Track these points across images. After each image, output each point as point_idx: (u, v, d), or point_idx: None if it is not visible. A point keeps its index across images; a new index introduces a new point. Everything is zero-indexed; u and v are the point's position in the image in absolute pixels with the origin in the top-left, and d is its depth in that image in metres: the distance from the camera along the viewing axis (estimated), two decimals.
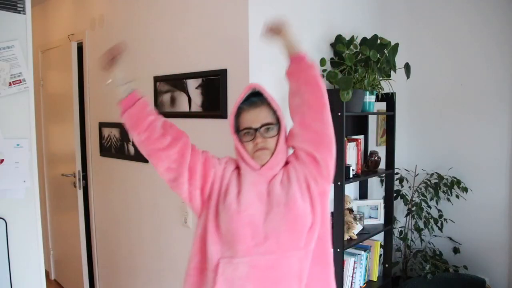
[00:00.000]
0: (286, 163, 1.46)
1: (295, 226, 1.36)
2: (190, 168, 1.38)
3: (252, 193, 1.37)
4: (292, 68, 1.44)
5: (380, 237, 2.87)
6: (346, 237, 2.45)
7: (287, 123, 1.48)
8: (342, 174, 2.27)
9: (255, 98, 1.43)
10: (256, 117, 1.39)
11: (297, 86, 1.43)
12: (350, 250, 2.58)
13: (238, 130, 1.41)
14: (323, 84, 1.42)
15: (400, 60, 2.58)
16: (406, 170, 3.24)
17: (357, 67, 2.38)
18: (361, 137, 2.72)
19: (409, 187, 3.16)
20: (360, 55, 2.42)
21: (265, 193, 1.39)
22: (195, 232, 1.44)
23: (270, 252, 1.34)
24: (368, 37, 2.57)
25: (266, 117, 1.39)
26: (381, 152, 2.81)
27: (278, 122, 1.41)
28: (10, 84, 1.72)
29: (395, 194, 2.96)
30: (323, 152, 1.40)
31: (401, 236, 3.03)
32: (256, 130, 1.38)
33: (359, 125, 2.87)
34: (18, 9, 1.74)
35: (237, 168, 1.46)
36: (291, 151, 1.50)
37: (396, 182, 3.03)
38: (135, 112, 1.40)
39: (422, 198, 3.03)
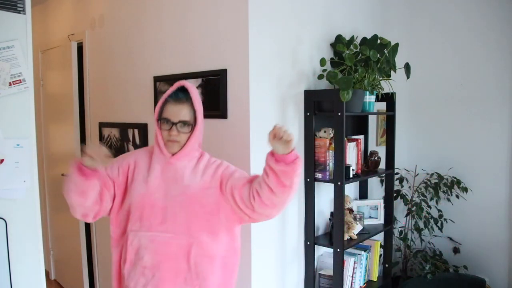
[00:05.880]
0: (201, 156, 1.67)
1: (190, 210, 1.56)
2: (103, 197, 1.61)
3: (159, 179, 1.59)
4: (284, 167, 1.40)
5: (380, 237, 2.87)
6: (346, 237, 2.45)
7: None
8: (342, 174, 2.27)
9: (182, 94, 1.60)
10: (177, 112, 1.56)
11: (278, 186, 1.43)
12: (350, 250, 2.58)
13: (160, 117, 1.58)
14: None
15: (400, 60, 2.58)
16: (406, 170, 3.24)
17: (357, 67, 2.38)
18: (361, 137, 2.72)
19: (409, 187, 3.16)
20: (360, 55, 2.42)
21: (171, 180, 1.59)
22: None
23: (166, 231, 1.56)
24: (368, 37, 2.57)
25: (185, 115, 1.57)
26: (381, 152, 2.81)
27: (195, 121, 1.59)
28: (10, 84, 1.72)
29: (395, 194, 2.96)
30: (250, 218, 1.59)
31: (401, 236, 3.03)
32: (173, 123, 1.55)
33: (359, 125, 2.87)
34: (18, 9, 1.74)
35: (151, 154, 1.65)
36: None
37: (396, 182, 3.03)
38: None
39: (422, 198, 3.03)
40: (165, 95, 1.61)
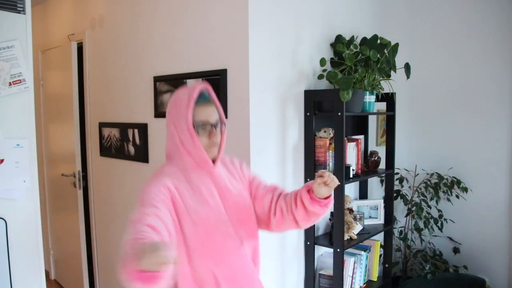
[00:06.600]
0: None
1: (247, 218, 1.49)
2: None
3: (216, 195, 1.43)
4: (317, 209, 1.45)
5: (380, 237, 2.87)
6: (346, 237, 2.45)
7: None
8: (342, 174, 2.27)
9: (207, 95, 1.47)
10: (212, 113, 1.44)
11: (303, 221, 1.50)
12: (350, 250, 2.58)
13: (195, 123, 1.41)
14: None
15: (400, 60, 2.58)
16: (406, 170, 3.24)
17: (357, 67, 2.38)
18: (361, 137, 2.72)
19: (409, 187, 3.16)
20: (360, 55, 2.42)
21: (225, 191, 1.46)
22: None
23: (239, 247, 1.43)
24: (368, 37, 2.57)
25: (216, 114, 1.46)
26: (381, 152, 2.81)
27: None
28: (10, 84, 1.72)
29: (395, 194, 2.96)
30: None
31: (401, 236, 3.03)
32: (212, 125, 1.42)
33: (359, 125, 2.87)
34: (18, 9, 1.74)
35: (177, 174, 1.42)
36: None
37: (396, 182, 3.03)
38: None
39: (422, 198, 3.03)
40: (190, 100, 1.40)
